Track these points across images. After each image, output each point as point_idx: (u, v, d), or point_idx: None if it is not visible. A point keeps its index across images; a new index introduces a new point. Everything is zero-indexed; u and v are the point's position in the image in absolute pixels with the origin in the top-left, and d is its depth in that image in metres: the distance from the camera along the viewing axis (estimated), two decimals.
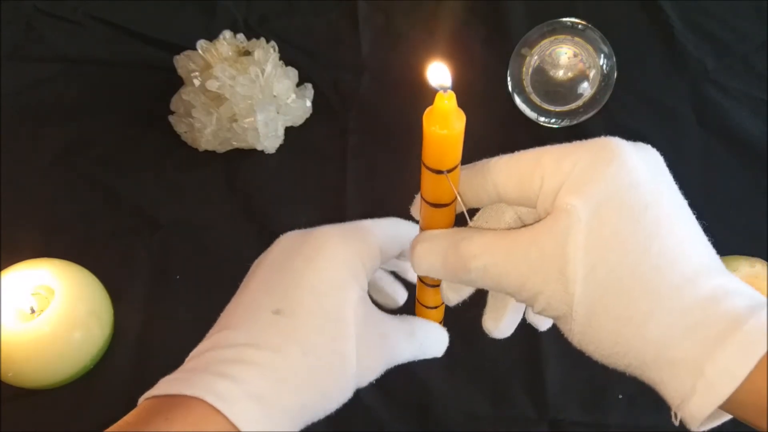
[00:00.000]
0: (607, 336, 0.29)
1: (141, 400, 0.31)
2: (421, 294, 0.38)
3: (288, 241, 0.36)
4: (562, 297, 0.30)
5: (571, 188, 0.30)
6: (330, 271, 0.34)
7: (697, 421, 0.26)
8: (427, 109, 0.29)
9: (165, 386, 0.30)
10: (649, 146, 0.33)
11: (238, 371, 0.30)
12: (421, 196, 0.33)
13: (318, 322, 0.32)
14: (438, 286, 0.37)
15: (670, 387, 0.27)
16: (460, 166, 0.31)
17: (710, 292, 0.27)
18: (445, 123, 0.28)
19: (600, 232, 0.29)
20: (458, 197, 0.32)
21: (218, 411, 0.29)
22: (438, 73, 0.29)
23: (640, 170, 0.31)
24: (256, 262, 0.36)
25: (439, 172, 0.30)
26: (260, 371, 0.31)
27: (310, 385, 0.32)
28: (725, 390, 0.25)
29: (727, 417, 0.27)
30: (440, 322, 0.41)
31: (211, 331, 0.34)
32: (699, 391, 0.26)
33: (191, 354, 0.33)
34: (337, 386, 0.33)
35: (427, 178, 0.31)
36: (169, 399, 0.30)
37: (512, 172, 0.32)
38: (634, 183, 0.30)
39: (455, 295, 0.37)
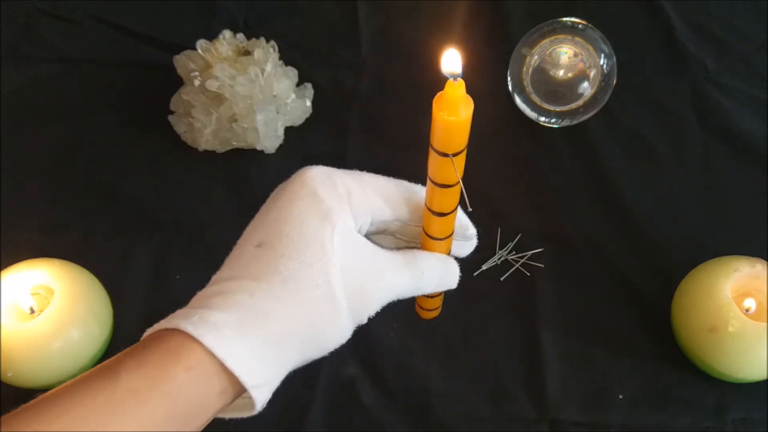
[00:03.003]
0: None
1: (143, 337, 0.32)
2: (428, 223, 0.37)
3: (279, 186, 0.37)
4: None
5: None
6: (308, 202, 0.34)
7: None
8: (437, 95, 0.30)
9: (156, 325, 0.32)
10: None
11: (216, 302, 0.32)
12: (428, 176, 0.34)
13: (296, 249, 0.33)
14: (446, 215, 0.35)
15: None
16: (466, 150, 0.32)
17: None
18: (453, 109, 0.29)
19: None
20: (460, 182, 0.33)
21: (194, 338, 0.30)
22: (451, 60, 0.29)
23: None
24: None
25: (445, 155, 0.31)
26: (239, 299, 0.32)
27: (295, 314, 0.32)
28: None
29: None
30: (448, 254, 0.39)
31: None
32: None
33: None
34: (329, 319, 0.33)
35: (433, 160, 0.32)
36: (155, 334, 0.31)
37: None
38: None
39: None
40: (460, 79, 0.29)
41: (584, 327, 0.53)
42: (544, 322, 0.53)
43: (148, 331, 0.32)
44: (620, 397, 0.50)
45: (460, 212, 0.38)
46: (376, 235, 0.39)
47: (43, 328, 0.48)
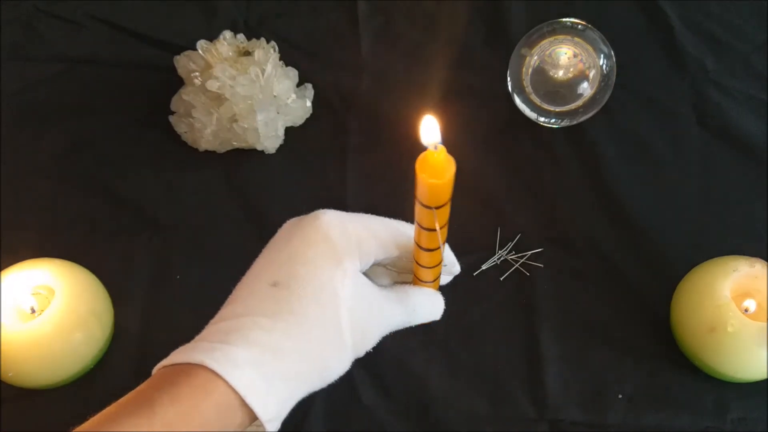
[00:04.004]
0: None
1: (155, 369, 0.34)
2: (418, 256, 0.40)
3: (290, 224, 0.39)
4: None
5: None
6: (324, 247, 0.36)
7: None
8: (421, 156, 0.31)
9: (174, 357, 0.33)
10: None
11: (235, 338, 0.33)
12: (415, 220, 0.36)
13: (312, 292, 0.35)
14: (434, 250, 0.38)
15: None
16: (450, 201, 0.34)
17: None
18: (435, 173, 0.31)
19: None
20: (438, 230, 0.35)
21: (218, 374, 0.32)
22: (429, 130, 0.31)
23: None
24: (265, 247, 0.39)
25: (429, 207, 0.33)
26: (256, 336, 0.34)
27: (308, 351, 0.34)
28: None
29: None
30: (437, 279, 0.42)
31: (220, 309, 0.37)
32: None
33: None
34: (335, 355, 0.36)
35: (419, 210, 0.34)
36: (177, 367, 0.33)
37: None
38: None
39: None
40: (440, 146, 0.30)
41: (584, 327, 0.53)
42: (544, 322, 0.53)
43: (165, 362, 0.34)
44: (619, 396, 0.50)
45: (449, 251, 0.42)
46: (370, 267, 0.42)
47: (44, 328, 0.48)
